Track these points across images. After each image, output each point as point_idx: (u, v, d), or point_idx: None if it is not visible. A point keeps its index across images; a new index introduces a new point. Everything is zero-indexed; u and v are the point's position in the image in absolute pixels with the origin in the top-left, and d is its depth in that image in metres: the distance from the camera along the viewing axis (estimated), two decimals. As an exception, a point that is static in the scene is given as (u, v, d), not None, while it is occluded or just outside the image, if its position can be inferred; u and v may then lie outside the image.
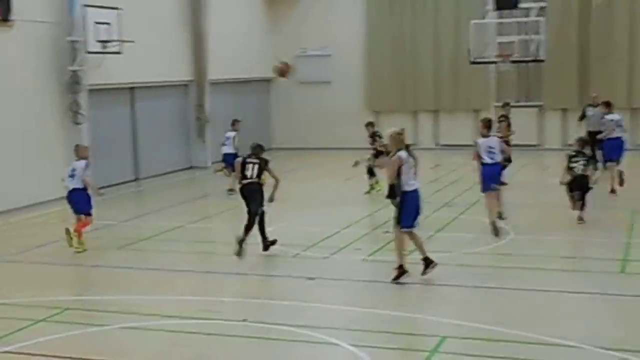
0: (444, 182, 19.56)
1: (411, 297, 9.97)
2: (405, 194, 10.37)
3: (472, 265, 11.45)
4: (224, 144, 19.29)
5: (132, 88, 21.67)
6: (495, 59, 23.39)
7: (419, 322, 8.95)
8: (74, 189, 12.99)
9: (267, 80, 28.89)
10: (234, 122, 19.47)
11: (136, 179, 21.72)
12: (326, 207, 16.91)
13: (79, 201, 13.03)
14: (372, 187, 17.90)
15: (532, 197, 17.76)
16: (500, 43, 23.69)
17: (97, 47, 18.86)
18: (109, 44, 19.08)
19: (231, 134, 19.29)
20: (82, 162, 13.03)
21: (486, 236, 13.14)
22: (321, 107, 27.97)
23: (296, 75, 28.41)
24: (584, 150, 14.44)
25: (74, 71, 18.76)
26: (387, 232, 13.54)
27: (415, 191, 10.42)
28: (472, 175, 18.97)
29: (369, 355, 7.76)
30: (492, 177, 13.25)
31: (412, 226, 10.48)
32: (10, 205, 17.06)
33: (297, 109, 28.39)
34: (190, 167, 23.91)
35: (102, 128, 20.25)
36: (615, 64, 25.03)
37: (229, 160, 17.77)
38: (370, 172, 17.81)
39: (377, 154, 16.65)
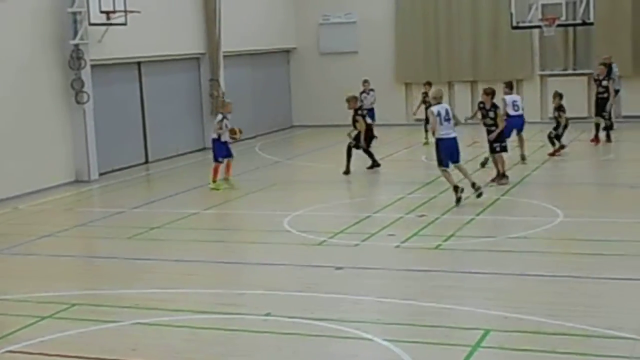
0: (483, 160, 19.41)
1: (450, 287, 9.96)
2: (438, 140, 14.56)
3: (517, 250, 11.42)
4: None
5: (139, 63, 21.76)
6: (539, 23, 23.14)
7: (459, 314, 8.93)
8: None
9: (287, 51, 28.90)
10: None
11: (146, 162, 21.86)
12: (355, 190, 16.92)
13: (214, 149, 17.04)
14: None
15: (582, 174, 17.67)
16: (544, 5, 23.39)
17: (101, 19, 18.92)
18: (113, 15, 19.14)
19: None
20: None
21: (533, 219, 13.11)
22: (347, 80, 27.81)
23: (318, 46, 28.53)
24: None
25: (76, 45, 18.86)
26: (422, 215, 13.57)
27: (446, 139, 14.50)
28: (515, 151, 19.04)
29: (405, 351, 7.76)
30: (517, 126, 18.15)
31: (447, 166, 14.58)
32: (15, 191, 17.25)
33: (320, 83, 28.33)
34: (204, 148, 23.97)
35: (108, 107, 20.37)
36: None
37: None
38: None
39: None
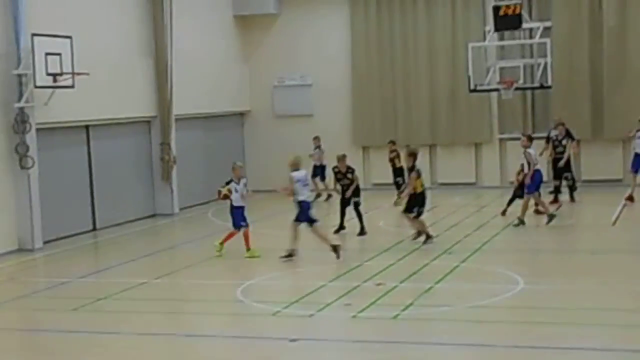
0: (443, 226, 19.64)
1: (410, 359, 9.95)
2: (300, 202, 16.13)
3: (477, 320, 11.45)
4: None
5: (87, 126, 21.69)
6: (497, 86, 23.55)
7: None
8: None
9: (241, 114, 29.03)
10: None
11: (93, 229, 21.64)
12: (311, 257, 16.87)
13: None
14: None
15: (543, 240, 17.84)
16: (502, 68, 23.88)
17: (47, 81, 18.84)
18: (60, 78, 19.09)
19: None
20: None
21: (493, 287, 13.18)
22: (302, 143, 27.93)
23: (273, 108, 28.70)
24: None
25: (21, 108, 18.77)
26: (380, 283, 13.58)
27: (305, 202, 16.11)
28: (474, 217, 19.22)
29: None
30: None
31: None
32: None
33: (275, 146, 28.33)
34: (154, 215, 23.86)
35: (54, 172, 20.22)
36: (633, 90, 25.30)
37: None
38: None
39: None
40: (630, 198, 21.04)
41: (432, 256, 15.84)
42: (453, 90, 26.76)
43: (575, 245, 17.59)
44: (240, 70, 28.60)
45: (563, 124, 22.72)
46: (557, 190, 22.62)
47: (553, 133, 22.88)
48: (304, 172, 16.51)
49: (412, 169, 17.39)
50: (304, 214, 16.17)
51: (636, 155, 22.59)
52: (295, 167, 16.32)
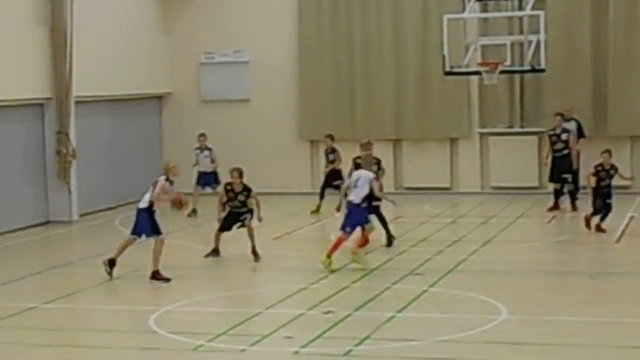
0: (409, 241, 19.67)
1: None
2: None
3: (448, 358, 11.47)
4: None
5: (-37, 109, 21.40)
6: (478, 69, 23.62)
7: None
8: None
9: (159, 97, 28.86)
10: None
11: (-31, 240, 21.36)
12: (243, 277, 16.80)
13: None
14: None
15: (531, 259, 17.97)
16: (485, 47, 23.99)
17: None
18: None
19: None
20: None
21: (470, 317, 13.23)
22: (235, 135, 27.87)
23: (200, 91, 28.57)
24: None
25: None
26: (329, 311, 13.57)
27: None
28: (448, 230, 19.31)
29: None
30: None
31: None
32: None
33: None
34: (47, 222, 23.59)
35: None
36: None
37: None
38: None
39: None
40: None
41: (395, 278, 15.83)
42: (424, 73, 26.87)
43: (571, 266, 17.73)
44: (158, 44, 28.47)
45: (562, 115, 23.10)
46: (558, 194, 22.92)
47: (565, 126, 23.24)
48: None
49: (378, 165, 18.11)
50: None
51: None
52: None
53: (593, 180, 19.77)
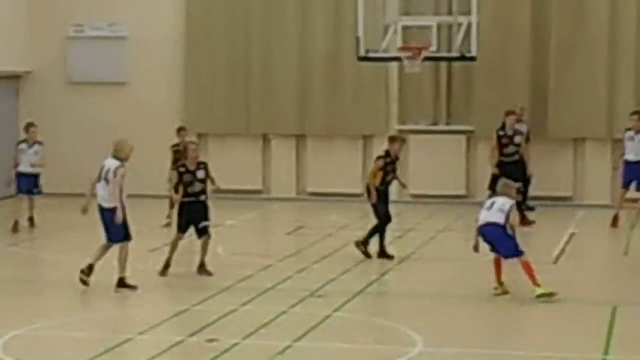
0: (311, 257, 19.81)
1: None
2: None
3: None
4: None
5: None
6: (398, 54, 23.71)
7: None
8: None
9: (15, 77, 28.53)
10: None
11: None
12: (110, 297, 16.72)
13: None
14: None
15: (454, 281, 18.20)
16: (407, 28, 24.03)
17: None
18: None
19: None
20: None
21: (380, 348, 13.37)
22: (109, 125, 27.61)
23: (66, 70, 28.30)
24: None
25: None
26: (212, 340, 13.61)
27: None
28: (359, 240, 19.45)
29: None
30: None
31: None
32: None
33: (70, 127, 27.99)
34: None
35: None
36: (591, 67, 26.14)
37: None
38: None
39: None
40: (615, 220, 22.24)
41: (293, 301, 15.87)
42: (334, 58, 27.08)
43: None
44: (13, 12, 28.18)
45: (514, 113, 23.34)
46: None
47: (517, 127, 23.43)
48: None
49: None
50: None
51: (627, 163, 23.13)
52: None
53: None
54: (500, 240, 16.32)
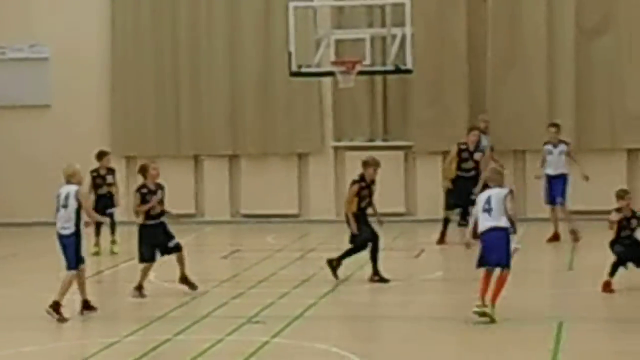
0: (247, 281, 19.66)
1: None
2: None
3: None
4: None
5: None
6: (332, 69, 23.63)
7: None
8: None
9: None
10: None
11: None
12: (39, 327, 16.45)
13: None
14: None
15: (396, 302, 18.14)
16: (339, 41, 23.96)
17: None
18: None
19: None
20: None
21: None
22: (34, 151, 27.39)
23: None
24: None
25: None
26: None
27: None
28: (295, 268, 19.26)
29: None
30: None
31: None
32: None
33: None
34: None
35: None
36: (527, 82, 26.25)
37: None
38: None
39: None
40: (556, 237, 22.11)
41: (229, 328, 15.66)
42: (265, 74, 27.14)
43: (443, 310, 17.79)
44: None
45: (479, 128, 23.46)
46: (447, 224, 23.19)
47: (470, 139, 23.30)
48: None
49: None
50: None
51: (548, 178, 23.19)
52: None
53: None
54: (499, 246, 15.85)
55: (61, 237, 16.89)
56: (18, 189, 27.51)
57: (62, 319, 16.43)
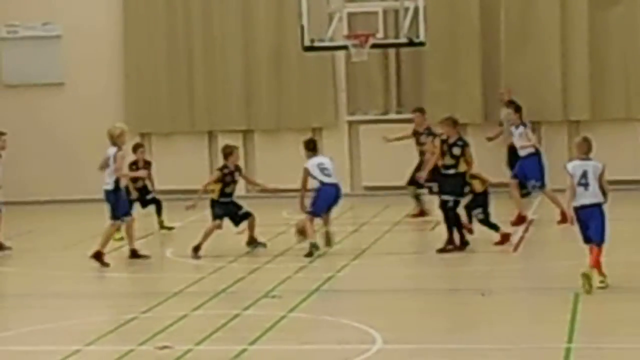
0: (263, 256, 19.80)
1: None
2: None
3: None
4: None
5: None
6: (345, 42, 23.67)
7: None
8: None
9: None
10: None
11: None
12: (63, 305, 16.57)
13: None
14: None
15: (412, 275, 18.31)
16: (352, 15, 23.99)
17: None
18: None
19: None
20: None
21: (338, 348, 13.32)
22: (48, 129, 27.49)
23: (1, 72, 28.06)
24: None
25: None
26: (165, 347, 13.47)
27: None
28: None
29: None
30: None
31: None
32: None
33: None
34: None
35: None
36: (541, 54, 26.27)
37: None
38: None
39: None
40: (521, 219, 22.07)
41: (246, 302, 15.79)
42: (278, 49, 27.16)
43: (458, 282, 17.97)
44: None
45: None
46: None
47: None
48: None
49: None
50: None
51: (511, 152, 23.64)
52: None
53: None
54: (598, 222, 15.88)
55: (104, 192, 19.06)
56: (34, 166, 27.65)
57: (104, 264, 18.73)
